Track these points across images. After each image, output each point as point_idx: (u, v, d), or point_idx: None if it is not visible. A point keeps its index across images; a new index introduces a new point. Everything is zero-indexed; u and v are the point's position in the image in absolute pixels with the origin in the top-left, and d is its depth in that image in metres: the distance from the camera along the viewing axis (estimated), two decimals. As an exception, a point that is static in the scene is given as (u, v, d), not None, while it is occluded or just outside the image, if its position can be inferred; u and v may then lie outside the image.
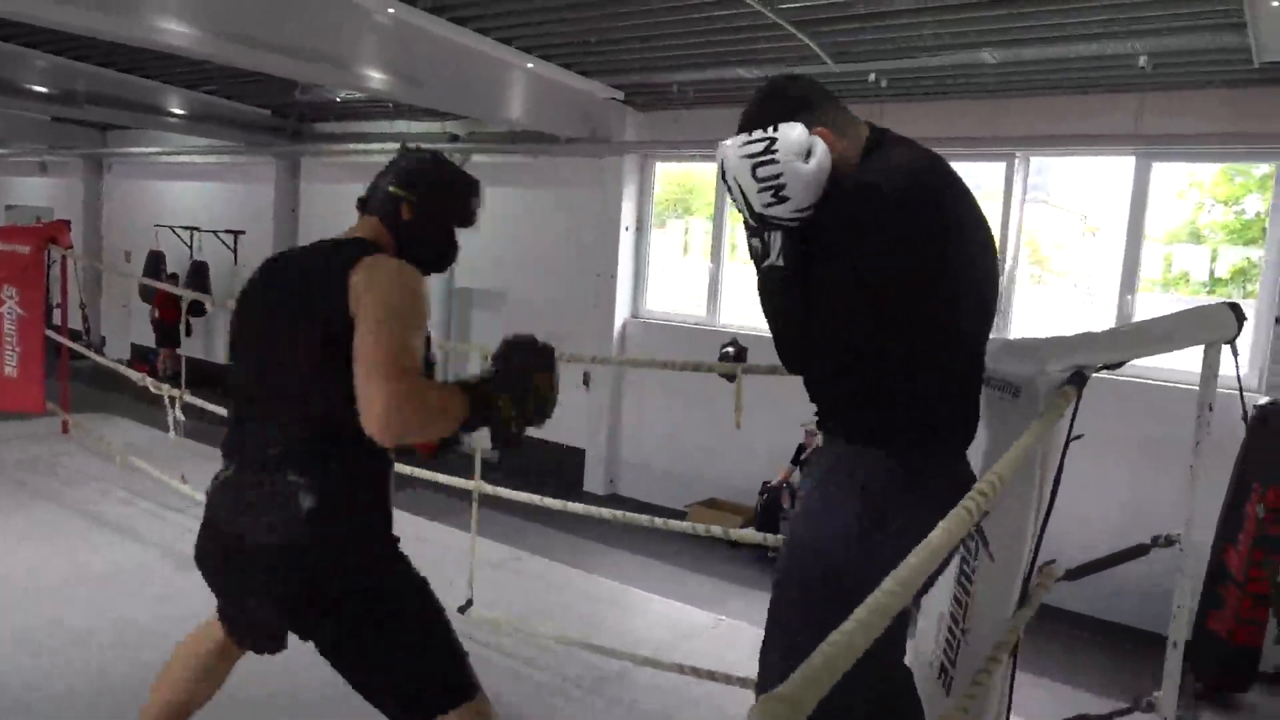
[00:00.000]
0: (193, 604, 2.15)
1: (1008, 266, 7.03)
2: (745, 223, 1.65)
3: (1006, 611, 1.50)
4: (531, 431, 1.83)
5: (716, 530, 2.88)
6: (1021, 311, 7.17)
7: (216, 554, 1.84)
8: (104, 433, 5.31)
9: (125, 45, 7.43)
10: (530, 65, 7.05)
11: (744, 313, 8.73)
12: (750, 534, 3.05)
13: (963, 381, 1.61)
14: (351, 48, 6.16)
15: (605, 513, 2.97)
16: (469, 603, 3.15)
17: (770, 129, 1.57)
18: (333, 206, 9.32)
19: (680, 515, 8.41)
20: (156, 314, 12.61)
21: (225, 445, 1.84)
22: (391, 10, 5.78)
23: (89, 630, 3.00)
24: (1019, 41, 5.55)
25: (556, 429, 9.73)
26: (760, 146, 1.56)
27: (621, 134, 8.62)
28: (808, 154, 1.54)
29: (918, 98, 7.14)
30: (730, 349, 8.32)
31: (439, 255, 1.96)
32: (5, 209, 16.97)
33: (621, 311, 9.05)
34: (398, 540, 1.84)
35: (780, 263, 1.60)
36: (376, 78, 6.37)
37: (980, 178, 7.26)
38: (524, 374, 1.80)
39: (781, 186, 1.53)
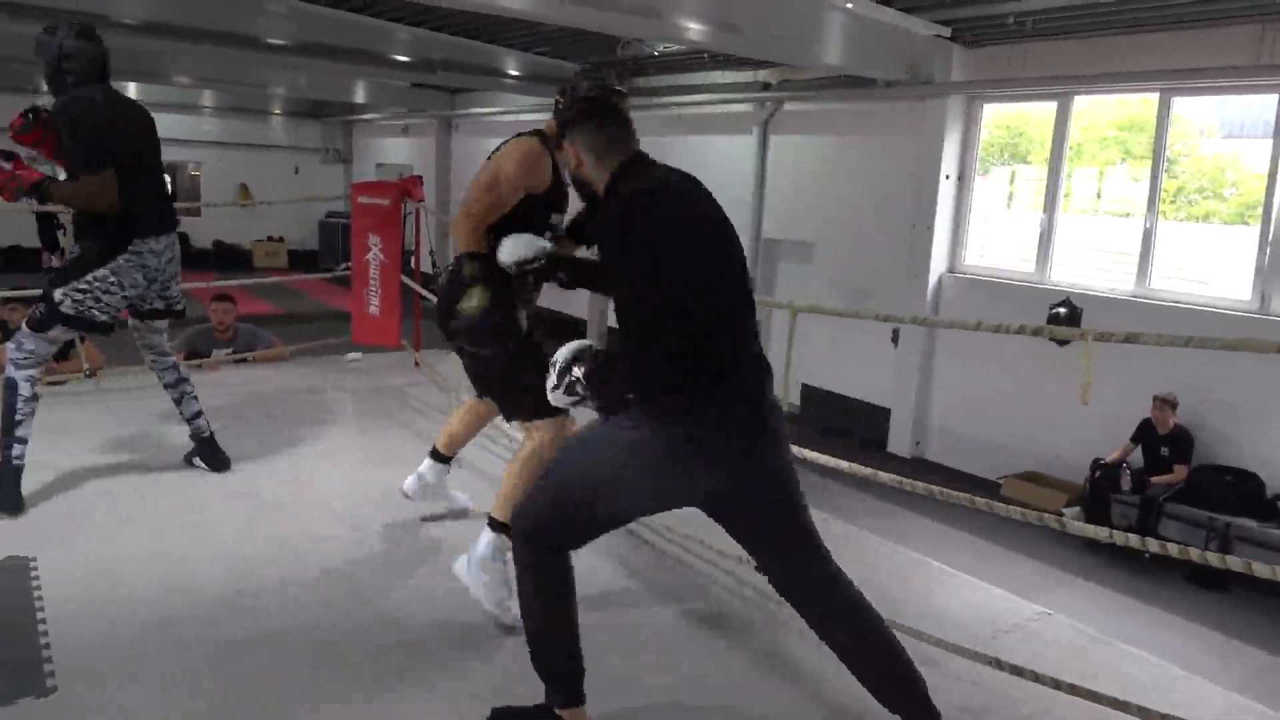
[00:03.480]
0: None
1: None
2: None
3: None
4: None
5: (1034, 517, 2.54)
6: None
7: None
8: (445, 369, 5.89)
9: (472, 14, 8.08)
10: (849, 4, 6.71)
11: (1079, 270, 7.84)
12: (1078, 525, 2.67)
13: (690, 348, 1.97)
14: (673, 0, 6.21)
15: (920, 487, 2.75)
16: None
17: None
18: (651, 154, 9.56)
19: (993, 487, 7.84)
20: None
21: None
22: (710, -42, 5.74)
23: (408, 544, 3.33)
24: None
25: (861, 385, 9.47)
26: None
27: (946, 74, 7.99)
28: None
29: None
30: (1062, 309, 7.54)
31: None
32: (376, 167, 19.44)
33: (937, 266, 8.49)
34: (520, 321, 2.78)
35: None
36: (696, 28, 6.39)
37: None
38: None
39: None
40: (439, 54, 10.24)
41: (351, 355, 6.40)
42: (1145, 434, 6.85)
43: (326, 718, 2.33)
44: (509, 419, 2.96)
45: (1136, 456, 6.97)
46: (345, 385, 5.73)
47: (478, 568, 2.75)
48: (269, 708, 2.35)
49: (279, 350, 6.23)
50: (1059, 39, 7.33)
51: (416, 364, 6.09)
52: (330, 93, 14.81)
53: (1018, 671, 2.45)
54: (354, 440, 4.72)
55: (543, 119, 2.84)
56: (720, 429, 2.02)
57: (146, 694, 2.36)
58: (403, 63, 10.33)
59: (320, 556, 3.20)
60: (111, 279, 3.40)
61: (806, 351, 8.59)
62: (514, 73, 10.88)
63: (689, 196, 2.13)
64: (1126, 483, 6.76)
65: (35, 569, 2.95)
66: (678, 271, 1.96)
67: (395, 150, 18.99)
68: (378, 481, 3.94)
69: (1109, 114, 8.16)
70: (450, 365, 6.14)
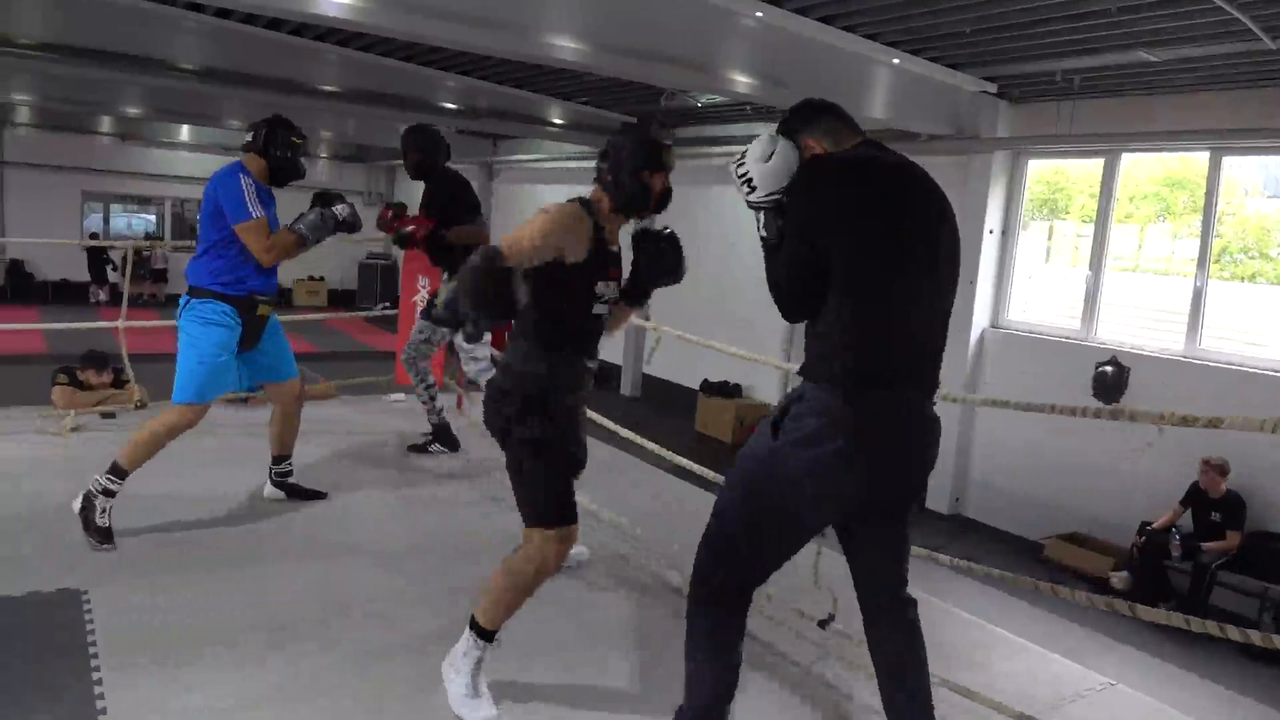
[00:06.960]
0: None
1: None
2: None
3: None
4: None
5: (1101, 603, 2.49)
6: None
7: None
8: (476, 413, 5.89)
9: (518, 63, 8.25)
10: (896, 61, 6.77)
11: (1125, 328, 7.75)
12: (1142, 609, 2.60)
13: (858, 333, 2.01)
14: (720, 52, 6.30)
15: (982, 570, 2.69)
16: (831, 617, 3.04)
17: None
18: (692, 206, 9.67)
19: (1035, 547, 7.68)
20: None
21: None
22: (760, 14, 5.82)
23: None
24: None
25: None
26: (737, 155, 2.21)
27: (991, 129, 8.01)
28: (769, 155, 2.15)
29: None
30: (1109, 368, 7.44)
31: (633, 200, 2.61)
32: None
33: (980, 321, 8.44)
34: (554, 410, 2.52)
35: (763, 233, 2.19)
36: (742, 81, 6.46)
37: None
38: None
39: (749, 179, 2.17)
40: (485, 102, 10.44)
41: (395, 396, 6.44)
42: (1195, 498, 6.69)
43: None
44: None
45: (1185, 520, 6.81)
46: (391, 426, 5.75)
47: (450, 663, 2.58)
48: None
49: (325, 388, 6.28)
50: (1104, 96, 7.33)
51: (459, 405, 6.10)
52: (376, 138, 15.12)
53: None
54: (397, 480, 4.73)
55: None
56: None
57: None
58: (449, 109, 10.54)
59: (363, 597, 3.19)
60: None
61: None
62: (557, 121, 11.06)
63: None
64: (1176, 549, 6.58)
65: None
66: (861, 245, 2.06)
67: (436, 194, 19.26)
68: (421, 525, 3.94)
69: (1149, 170, 8.12)
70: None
